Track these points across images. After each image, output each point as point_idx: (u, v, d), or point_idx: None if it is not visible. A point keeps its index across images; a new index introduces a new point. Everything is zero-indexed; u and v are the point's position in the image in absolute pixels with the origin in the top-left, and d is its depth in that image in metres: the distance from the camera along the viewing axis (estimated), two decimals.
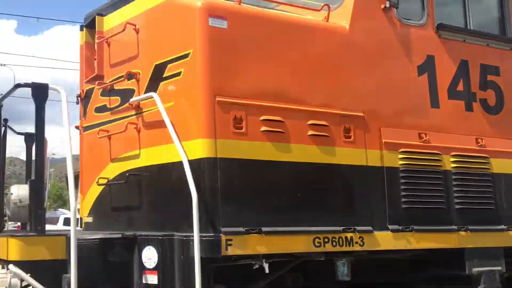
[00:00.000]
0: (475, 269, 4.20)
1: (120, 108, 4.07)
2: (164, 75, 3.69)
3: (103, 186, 4.16)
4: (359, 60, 4.01)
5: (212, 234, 3.28)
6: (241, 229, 3.36)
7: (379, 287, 4.30)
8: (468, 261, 4.18)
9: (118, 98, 4.10)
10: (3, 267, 3.79)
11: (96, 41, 4.26)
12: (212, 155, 3.38)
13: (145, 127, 3.84)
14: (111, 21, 4.27)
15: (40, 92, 3.54)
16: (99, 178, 4.10)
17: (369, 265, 4.08)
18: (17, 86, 3.70)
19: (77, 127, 4.71)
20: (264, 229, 3.41)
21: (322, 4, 3.96)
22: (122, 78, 4.00)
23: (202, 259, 3.18)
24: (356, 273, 3.87)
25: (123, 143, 4.02)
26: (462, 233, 4.19)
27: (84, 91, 4.53)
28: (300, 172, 3.66)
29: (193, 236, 3.22)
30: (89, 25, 4.52)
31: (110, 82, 4.15)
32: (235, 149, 3.44)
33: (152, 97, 3.58)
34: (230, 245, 3.30)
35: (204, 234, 3.24)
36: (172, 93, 3.61)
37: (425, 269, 4.28)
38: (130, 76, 3.93)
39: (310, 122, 3.72)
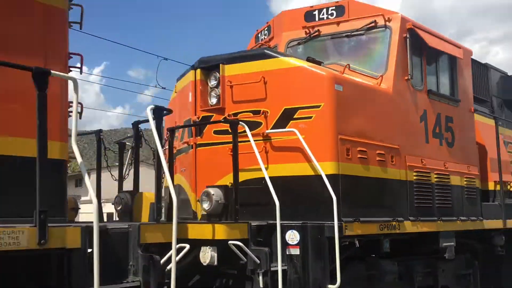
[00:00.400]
0: (444, 244, 6.78)
1: (243, 133, 5.72)
2: (295, 117, 5.51)
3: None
4: (396, 112, 6.29)
5: (338, 222, 5.25)
6: (350, 219, 5.39)
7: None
8: (441, 239, 6.73)
9: (242, 126, 5.74)
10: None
11: (224, 83, 5.84)
12: (337, 172, 5.35)
13: (273, 149, 5.61)
14: (232, 70, 5.88)
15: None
16: (230, 183, 5.69)
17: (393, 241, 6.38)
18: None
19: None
20: (361, 219, 5.50)
21: (379, 75, 6.16)
22: (248, 113, 5.69)
23: (328, 238, 5.14)
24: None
25: (248, 159, 5.68)
26: (439, 222, 6.74)
27: (200, 117, 6.02)
28: (373, 183, 5.81)
29: (323, 223, 5.16)
30: (205, 68, 6.04)
31: (233, 113, 5.78)
32: (347, 169, 5.46)
33: (293, 131, 5.39)
34: (346, 229, 5.32)
35: (333, 222, 5.18)
36: (303, 129, 5.44)
37: (419, 245, 6.73)
38: (259, 112, 5.65)
39: (377, 151, 5.89)
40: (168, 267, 4.20)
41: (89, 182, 3.37)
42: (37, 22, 3.84)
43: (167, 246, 4.37)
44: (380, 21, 6.58)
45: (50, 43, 3.91)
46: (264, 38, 7.66)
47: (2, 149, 3.55)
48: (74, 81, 3.53)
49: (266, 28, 7.67)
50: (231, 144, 5.25)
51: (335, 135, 5.41)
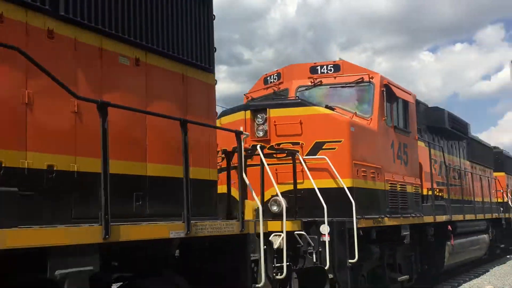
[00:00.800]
0: (404, 233, 9.74)
1: (286, 158, 8.19)
2: (323, 147, 8.12)
3: (270, 196, 8.18)
4: (379, 143, 9.14)
5: (353, 219, 7.93)
6: (359, 216, 8.11)
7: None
8: (402, 230, 9.69)
9: (284, 153, 8.21)
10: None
11: (270, 121, 8.27)
12: (352, 186, 8.04)
13: (308, 169, 8.15)
14: (276, 112, 8.34)
15: None
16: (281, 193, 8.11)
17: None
18: None
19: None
20: (365, 216, 8.24)
21: (370, 117, 8.96)
22: (289, 144, 8.18)
23: (348, 229, 7.83)
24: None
25: (287, 175, 8.15)
26: (401, 218, 9.70)
27: (250, 145, 8.39)
28: (369, 192, 8.58)
29: (344, 219, 7.84)
30: (253, 110, 8.43)
31: (278, 144, 8.24)
32: (357, 183, 8.18)
33: (323, 158, 7.98)
34: (358, 223, 8.03)
35: (351, 219, 7.85)
36: (330, 157, 8.05)
37: (389, 234, 9.63)
38: (298, 143, 8.17)
39: (370, 170, 8.68)
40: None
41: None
42: (205, 95, 6.10)
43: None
44: (366, 78, 9.42)
45: (211, 107, 6.18)
46: (274, 81, 10.17)
47: (196, 175, 5.77)
48: (237, 133, 5.85)
49: (276, 74, 10.20)
50: (274, 165, 7.74)
51: (351, 161, 8.13)
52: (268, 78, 10.37)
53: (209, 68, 6.14)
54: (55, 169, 4.16)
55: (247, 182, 6.15)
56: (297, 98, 8.92)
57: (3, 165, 3.76)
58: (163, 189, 5.26)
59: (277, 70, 10.25)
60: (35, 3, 4.13)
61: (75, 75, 4.47)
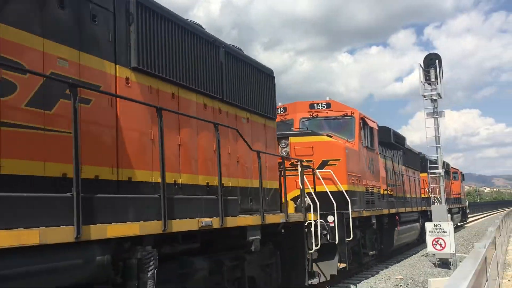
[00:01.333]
0: (373, 221, 13.92)
1: (306, 169, 12.01)
2: (328, 164, 12.05)
3: (294, 195, 11.95)
4: (359, 159, 13.23)
5: (349, 211, 11.92)
6: (353, 210, 12.14)
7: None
8: (372, 218, 13.85)
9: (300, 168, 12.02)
10: None
11: (291, 146, 12.07)
12: (348, 190, 12.06)
13: (317, 179, 12.04)
14: (294, 140, 12.16)
15: None
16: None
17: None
18: None
19: None
20: (353, 210, 12.29)
21: (354, 140, 13.03)
22: (304, 161, 12.03)
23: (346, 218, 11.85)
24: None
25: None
26: (371, 210, 13.86)
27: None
28: (356, 193, 12.63)
29: (343, 212, 11.83)
30: (278, 138, 12.19)
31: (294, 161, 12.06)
32: (350, 187, 12.21)
33: (329, 171, 11.91)
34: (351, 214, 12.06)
35: (348, 212, 11.83)
36: (332, 169, 12.00)
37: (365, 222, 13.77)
38: (310, 161, 12.04)
39: (356, 178, 12.74)
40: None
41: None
42: (272, 135, 9.83)
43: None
44: (349, 113, 13.49)
45: (274, 141, 9.93)
46: (281, 113, 13.98)
47: (272, 185, 9.49)
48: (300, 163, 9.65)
49: (282, 108, 14.01)
50: (295, 176, 11.61)
51: (347, 172, 12.14)
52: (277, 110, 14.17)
53: (274, 118, 9.89)
54: (177, 182, 7.56)
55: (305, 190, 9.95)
56: (307, 129, 12.80)
57: (152, 181, 7.03)
58: (257, 194, 8.97)
59: (283, 105, 14.08)
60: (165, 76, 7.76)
61: (228, 130, 8.07)
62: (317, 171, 11.45)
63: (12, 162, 4.39)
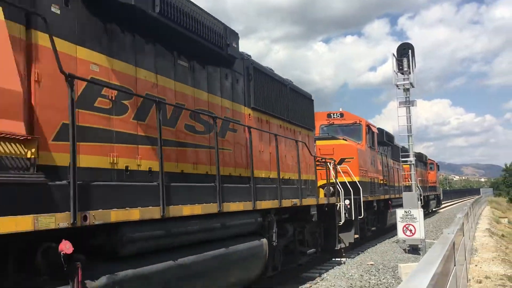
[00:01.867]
0: (374, 204, 18.06)
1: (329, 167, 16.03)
2: (345, 161, 16.10)
3: (321, 184, 15.95)
4: (366, 157, 17.32)
5: (361, 196, 16.00)
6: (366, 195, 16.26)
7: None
8: (374, 202, 18.00)
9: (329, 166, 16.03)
10: None
11: (317, 148, 16.08)
12: (359, 180, 16.15)
13: (338, 172, 16.08)
14: (320, 143, 16.16)
15: None
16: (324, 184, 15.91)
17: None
18: None
19: None
20: (363, 196, 16.43)
21: (362, 142, 17.12)
22: (327, 159, 16.06)
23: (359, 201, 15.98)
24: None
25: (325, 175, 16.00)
26: (374, 196, 18.01)
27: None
28: (365, 183, 16.74)
29: (357, 197, 15.94)
30: None
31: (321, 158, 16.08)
32: (361, 179, 16.31)
33: (345, 166, 15.96)
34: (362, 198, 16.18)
35: (359, 197, 15.90)
36: (349, 165, 16.06)
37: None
38: (332, 159, 16.08)
39: (364, 171, 16.85)
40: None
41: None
42: (312, 142, 13.83)
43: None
44: (358, 121, 17.56)
45: (313, 147, 13.93)
46: None
47: (310, 177, 13.49)
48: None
49: None
50: (321, 170, 15.67)
51: (359, 167, 16.22)
52: None
53: (313, 129, 13.89)
54: (269, 176, 11.54)
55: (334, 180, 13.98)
56: (328, 134, 16.79)
57: (262, 176, 11.14)
58: (311, 185, 12.98)
59: None
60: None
61: (294, 142, 12.02)
62: (338, 166, 15.49)
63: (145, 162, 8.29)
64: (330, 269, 12.97)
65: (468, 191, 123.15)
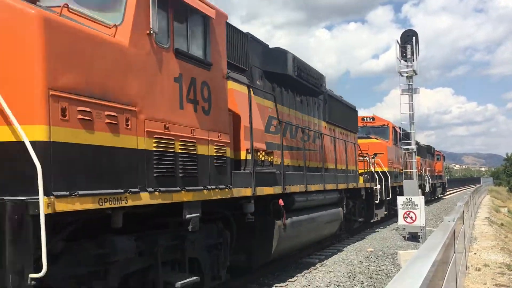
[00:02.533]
0: (397, 189, 23.07)
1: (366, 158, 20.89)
2: (377, 155, 21.03)
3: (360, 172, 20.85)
4: (392, 152, 22.31)
5: (389, 183, 20.96)
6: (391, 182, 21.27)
7: None
8: (397, 188, 23.01)
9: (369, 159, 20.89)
10: None
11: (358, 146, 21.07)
12: (388, 170, 21.11)
13: (372, 164, 21.02)
14: (359, 141, 21.09)
15: None
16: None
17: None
18: None
19: None
20: (390, 182, 21.44)
21: (389, 140, 22.06)
22: (365, 154, 21.01)
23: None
24: None
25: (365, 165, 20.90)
26: (396, 182, 22.99)
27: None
28: (393, 173, 21.73)
29: (387, 183, 20.94)
30: None
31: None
32: (389, 169, 21.30)
33: (378, 159, 20.91)
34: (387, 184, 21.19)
35: (388, 183, 20.87)
36: (379, 158, 20.98)
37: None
38: (368, 153, 21.01)
39: (391, 163, 21.83)
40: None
41: None
42: (354, 141, 18.82)
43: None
44: (385, 124, 22.52)
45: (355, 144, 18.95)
46: None
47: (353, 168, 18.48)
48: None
49: None
50: (360, 162, 20.68)
51: (388, 160, 21.19)
52: None
53: (355, 132, 18.83)
54: (336, 167, 16.39)
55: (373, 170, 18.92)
56: (364, 134, 21.69)
57: (332, 167, 16.03)
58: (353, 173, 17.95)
59: None
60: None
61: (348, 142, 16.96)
62: (372, 159, 20.44)
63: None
64: (329, 255, 12.74)
65: (468, 180, 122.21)
